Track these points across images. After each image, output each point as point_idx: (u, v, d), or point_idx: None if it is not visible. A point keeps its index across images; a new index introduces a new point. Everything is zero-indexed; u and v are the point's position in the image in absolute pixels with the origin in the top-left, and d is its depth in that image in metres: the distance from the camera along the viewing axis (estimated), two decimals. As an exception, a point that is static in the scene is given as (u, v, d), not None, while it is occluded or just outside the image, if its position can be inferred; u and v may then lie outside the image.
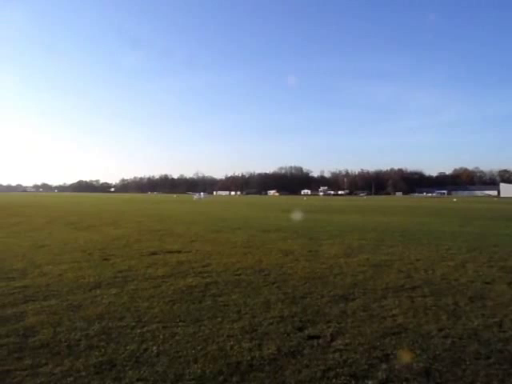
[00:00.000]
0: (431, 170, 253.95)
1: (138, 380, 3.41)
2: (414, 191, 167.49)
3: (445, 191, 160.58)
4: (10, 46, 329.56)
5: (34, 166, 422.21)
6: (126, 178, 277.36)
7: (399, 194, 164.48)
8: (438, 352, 4.01)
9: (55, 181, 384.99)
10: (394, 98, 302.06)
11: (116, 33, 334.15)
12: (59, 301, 5.74)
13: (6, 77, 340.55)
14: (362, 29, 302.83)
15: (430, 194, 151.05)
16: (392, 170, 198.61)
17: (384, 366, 3.71)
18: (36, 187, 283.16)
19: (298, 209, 37.24)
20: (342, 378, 3.47)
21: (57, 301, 5.74)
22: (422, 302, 5.75)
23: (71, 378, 3.42)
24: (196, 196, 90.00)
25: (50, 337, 4.35)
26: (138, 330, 4.57)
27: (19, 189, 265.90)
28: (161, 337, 4.38)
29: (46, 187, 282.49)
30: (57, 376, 3.46)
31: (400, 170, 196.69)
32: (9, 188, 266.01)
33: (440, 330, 4.63)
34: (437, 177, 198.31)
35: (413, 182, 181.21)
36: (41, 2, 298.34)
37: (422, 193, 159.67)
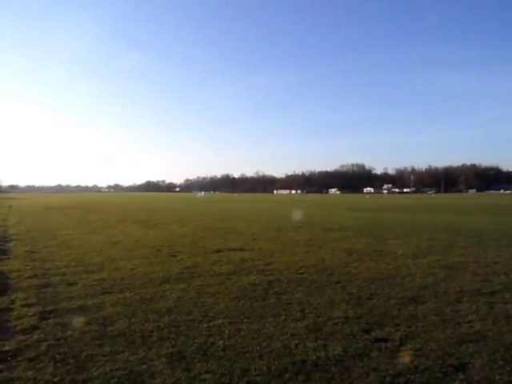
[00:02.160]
0: (510, 166, 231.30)
1: (206, 372, 3.53)
2: (489, 188, 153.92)
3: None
4: (83, 56, 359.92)
5: (108, 168, 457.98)
6: (189, 178, 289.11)
7: (472, 191, 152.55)
8: (523, 364, 3.65)
9: (126, 181, 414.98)
10: (466, 90, 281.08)
11: (174, 40, 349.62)
12: (133, 293, 6.14)
13: (80, 85, 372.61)
14: (432, 18, 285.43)
15: (508, 191, 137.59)
16: (464, 165, 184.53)
17: (461, 375, 3.46)
18: (109, 187, 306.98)
19: (360, 207, 36.13)
20: (414, 384, 3.30)
21: (130, 293, 6.15)
22: (503, 309, 5.28)
23: (145, 366, 3.64)
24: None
25: (125, 327, 4.67)
26: (205, 325, 4.73)
27: (95, 189, 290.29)
28: (226, 332, 4.49)
29: (117, 187, 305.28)
30: (133, 363, 3.70)
31: (473, 166, 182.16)
32: (86, 188, 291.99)
33: (525, 340, 4.21)
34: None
35: (488, 179, 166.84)
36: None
37: (499, 190, 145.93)
